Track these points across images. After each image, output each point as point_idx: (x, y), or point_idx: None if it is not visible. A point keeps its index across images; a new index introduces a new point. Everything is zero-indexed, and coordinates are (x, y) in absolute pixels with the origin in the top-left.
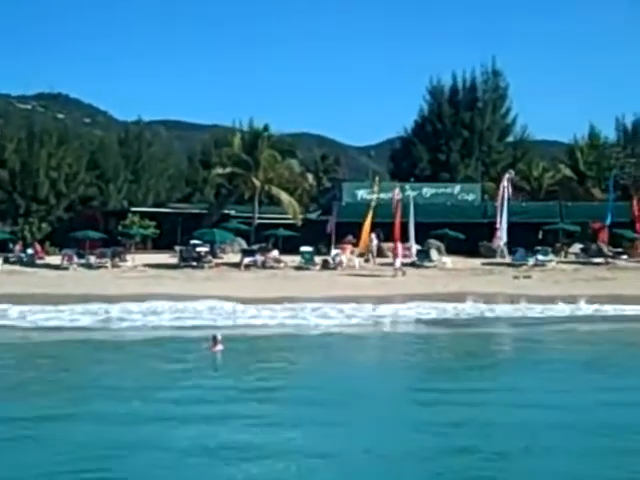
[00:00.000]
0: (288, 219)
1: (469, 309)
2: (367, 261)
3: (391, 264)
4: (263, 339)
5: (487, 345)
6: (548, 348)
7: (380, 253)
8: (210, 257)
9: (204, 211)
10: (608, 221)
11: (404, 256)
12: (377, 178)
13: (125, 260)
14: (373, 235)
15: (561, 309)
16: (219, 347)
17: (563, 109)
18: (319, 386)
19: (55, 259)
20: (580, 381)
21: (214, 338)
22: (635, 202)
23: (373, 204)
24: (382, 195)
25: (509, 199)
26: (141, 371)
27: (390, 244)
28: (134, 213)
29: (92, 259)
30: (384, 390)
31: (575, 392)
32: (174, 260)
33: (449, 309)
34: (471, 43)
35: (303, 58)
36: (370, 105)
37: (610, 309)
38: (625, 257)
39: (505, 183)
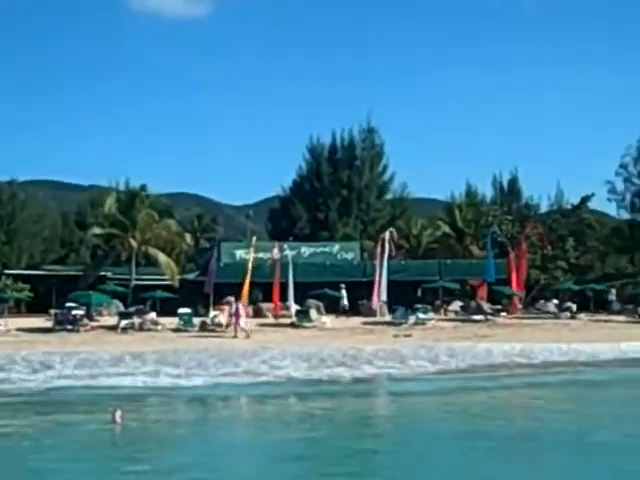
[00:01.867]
0: (166, 280)
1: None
2: (228, 326)
3: (272, 324)
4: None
5: None
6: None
7: (259, 313)
8: (86, 320)
9: (80, 273)
10: (491, 278)
11: (281, 316)
12: (254, 238)
13: None
14: (231, 299)
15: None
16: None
17: (440, 167)
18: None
19: None
20: None
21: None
22: (512, 259)
23: (251, 264)
24: (261, 255)
25: (389, 257)
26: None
27: (270, 304)
28: (7, 276)
29: None
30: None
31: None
32: (49, 324)
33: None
34: (351, 101)
35: (177, 116)
36: (248, 164)
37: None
38: (504, 314)
39: (385, 240)
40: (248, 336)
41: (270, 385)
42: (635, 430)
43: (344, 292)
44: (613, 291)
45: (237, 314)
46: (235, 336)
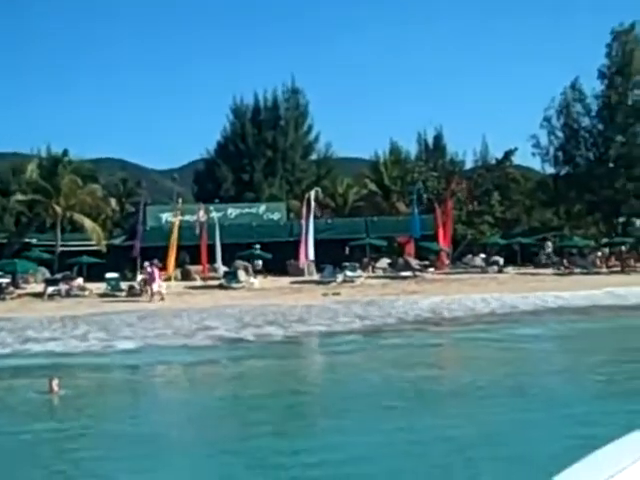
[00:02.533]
0: (92, 246)
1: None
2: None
3: (200, 287)
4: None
5: None
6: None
7: (188, 276)
8: (12, 288)
9: (4, 241)
10: (417, 234)
11: (209, 278)
12: (179, 201)
13: None
14: (146, 264)
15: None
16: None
17: (365, 127)
18: None
19: None
20: None
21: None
22: (438, 215)
23: (177, 227)
24: (187, 217)
25: (315, 216)
26: None
27: (198, 267)
28: None
29: None
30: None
31: None
32: None
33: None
34: (273, 62)
35: (99, 83)
36: (173, 128)
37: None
38: (432, 269)
39: (311, 200)
40: (162, 299)
41: (201, 347)
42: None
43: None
44: (549, 244)
45: (152, 277)
46: (151, 300)
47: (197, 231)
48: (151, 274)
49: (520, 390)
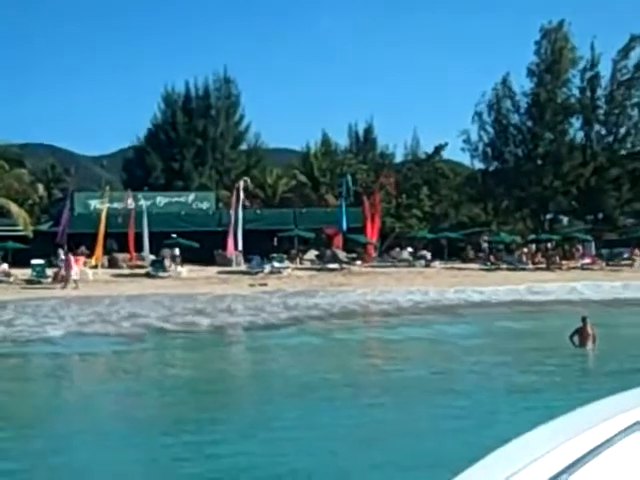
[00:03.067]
0: (18, 231)
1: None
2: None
3: (127, 275)
4: None
5: None
6: None
7: (115, 264)
8: None
9: None
10: (343, 227)
11: (137, 266)
12: (107, 187)
13: None
14: (60, 251)
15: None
16: None
17: (297, 118)
18: None
19: None
20: None
21: None
22: (367, 207)
23: (104, 214)
24: (115, 205)
25: (244, 206)
26: None
27: (125, 255)
28: None
29: None
30: None
31: None
32: None
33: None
34: (204, 52)
35: (29, 64)
36: (104, 114)
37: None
38: (359, 262)
39: (240, 190)
40: (77, 287)
41: (127, 335)
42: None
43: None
44: (485, 237)
45: (67, 265)
46: (64, 287)
47: (119, 220)
48: (66, 261)
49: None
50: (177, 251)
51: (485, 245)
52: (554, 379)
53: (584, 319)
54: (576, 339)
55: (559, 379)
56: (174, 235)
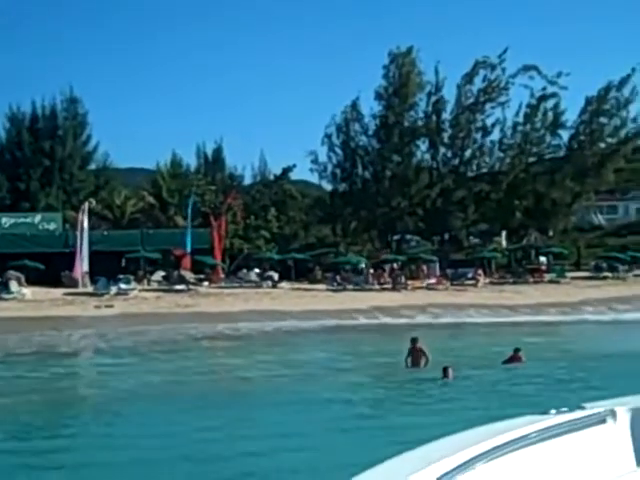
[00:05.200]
0: None
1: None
2: None
3: None
4: None
5: None
6: None
7: None
8: None
9: None
10: (188, 248)
11: None
12: None
13: None
14: None
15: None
16: None
17: (148, 137)
18: None
19: None
20: None
21: None
22: (214, 228)
23: None
24: None
25: (90, 228)
26: None
27: None
28: None
29: None
30: None
31: None
32: None
33: None
34: (51, 70)
35: None
36: None
37: None
38: (206, 283)
39: (85, 211)
40: None
41: None
42: None
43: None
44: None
45: None
46: None
47: None
48: None
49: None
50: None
51: (363, 267)
52: None
53: (413, 340)
54: (409, 361)
55: None
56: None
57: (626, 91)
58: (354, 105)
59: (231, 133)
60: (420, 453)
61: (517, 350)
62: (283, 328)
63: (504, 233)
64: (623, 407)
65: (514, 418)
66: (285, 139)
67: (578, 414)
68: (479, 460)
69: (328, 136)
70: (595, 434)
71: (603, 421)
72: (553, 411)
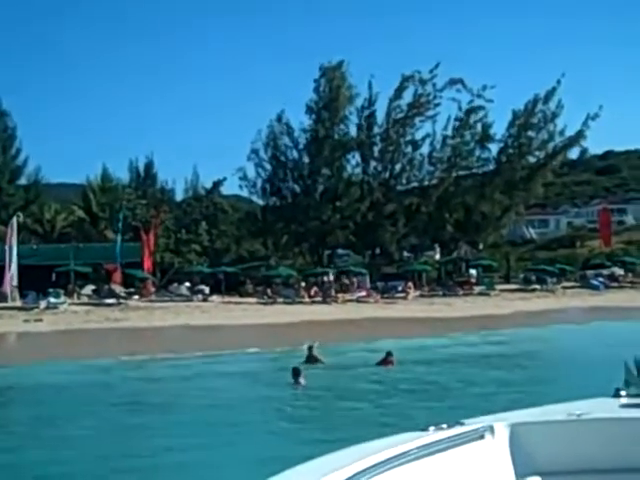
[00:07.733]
0: None
1: None
2: None
3: None
4: None
5: None
6: None
7: None
8: None
9: None
10: (118, 262)
11: None
12: None
13: None
14: None
15: None
16: None
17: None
18: None
19: None
20: None
21: None
22: (145, 242)
23: None
24: None
25: (20, 242)
26: None
27: None
28: None
29: None
30: None
31: None
32: None
33: None
34: None
35: None
36: None
37: None
38: (137, 297)
39: (14, 225)
40: None
41: None
42: None
43: None
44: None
45: None
46: None
47: None
48: None
49: None
50: None
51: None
52: None
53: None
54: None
55: None
56: None
57: (552, 104)
58: (280, 118)
59: (165, 147)
60: (295, 475)
61: (389, 354)
62: None
63: (437, 246)
64: (501, 423)
65: (393, 435)
66: (218, 152)
67: (457, 430)
68: (359, 478)
69: (255, 151)
70: (474, 450)
71: (482, 437)
72: (432, 427)
